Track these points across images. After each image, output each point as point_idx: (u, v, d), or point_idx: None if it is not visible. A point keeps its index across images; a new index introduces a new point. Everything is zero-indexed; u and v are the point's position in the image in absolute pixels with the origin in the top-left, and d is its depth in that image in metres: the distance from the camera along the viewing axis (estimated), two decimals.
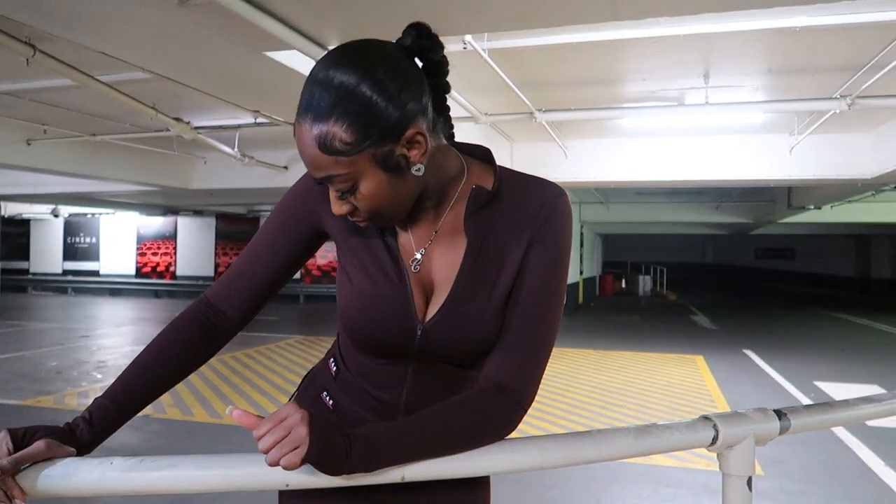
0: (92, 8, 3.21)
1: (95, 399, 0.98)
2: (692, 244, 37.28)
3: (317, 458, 0.84)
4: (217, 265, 20.87)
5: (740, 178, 9.04)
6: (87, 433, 0.94)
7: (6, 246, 22.52)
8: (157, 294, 20.71)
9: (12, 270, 22.26)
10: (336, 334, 1.17)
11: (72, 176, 10.33)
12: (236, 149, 8.92)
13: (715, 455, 1.23)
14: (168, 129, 7.33)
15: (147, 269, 21.61)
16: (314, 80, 0.87)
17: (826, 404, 1.32)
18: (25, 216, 21.82)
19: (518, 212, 1.02)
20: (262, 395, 6.56)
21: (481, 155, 1.07)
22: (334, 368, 1.13)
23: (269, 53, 3.52)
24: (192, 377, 7.35)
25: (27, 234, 23.01)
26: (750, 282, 33.29)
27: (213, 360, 8.47)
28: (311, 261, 19.57)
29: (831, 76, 6.09)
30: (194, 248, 21.12)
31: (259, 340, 10.59)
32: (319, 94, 0.85)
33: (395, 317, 1.01)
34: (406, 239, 1.04)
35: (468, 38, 4.41)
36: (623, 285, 25.40)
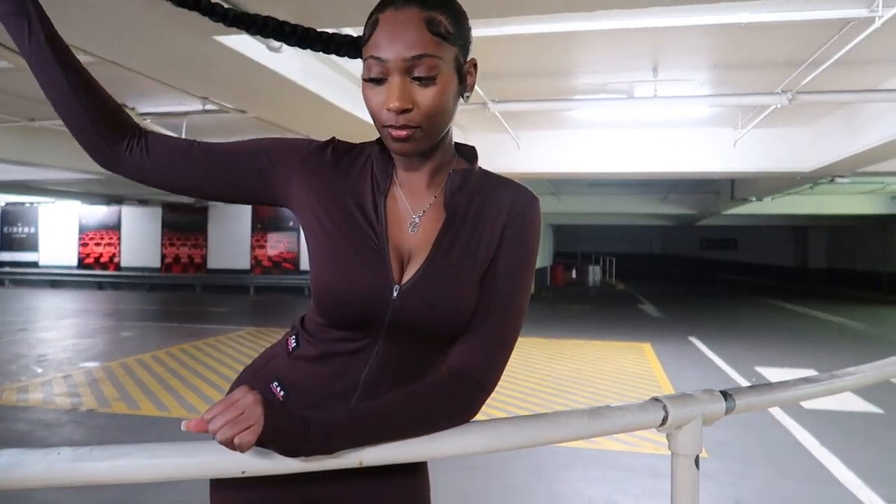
0: None
1: None
2: (640, 235, 38.08)
3: (273, 437, 0.83)
4: (164, 256, 20.35)
5: (686, 171, 9.28)
6: None
7: None
8: (100, 286, 20.07)
9: None
10: (301, 316, 1.16)
11: (9, 163, 9.91)
12: (184, 136, 8.70)
13: (662, 438, 1.26)
14: None
15: (90, 259, 20.93)
16: None
17: (768, 385, 1.38)
18: None
19: (494, 206, 1.06)
20: (211, 387, 6.44)
21: (467, 152, 1.12)
22: (293, 345, 1.11)
23: (217, 37, 3.44)
24: (139, 371, 7.17)
25: None
26: (695, 271, 34.23)
27: (160, 353, 8.27)
28: (261, 251, 19.30)
29: (774, 72, 6.29)
30: (139, 239, 20.55)
31: (208, 332, 10.38)
32: None
33: (371, 277, 1.00)
34: (397, 206, 1.06)
35: None
36: (573, 275, 25.80)
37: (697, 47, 5.87)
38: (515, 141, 9.12)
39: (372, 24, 0.96)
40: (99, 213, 20.82)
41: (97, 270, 20.67)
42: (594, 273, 25.43)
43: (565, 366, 7.84)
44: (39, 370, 7.29)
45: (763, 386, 1.36)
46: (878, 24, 4.14)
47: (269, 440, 0.83)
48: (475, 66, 1.03)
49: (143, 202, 20.07)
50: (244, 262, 19.53)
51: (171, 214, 20.26)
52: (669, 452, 1.24)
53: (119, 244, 20.77)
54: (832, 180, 10.25)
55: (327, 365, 1.06)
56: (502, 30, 5.05)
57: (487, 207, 1.06)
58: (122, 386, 6.44)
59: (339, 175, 1.07)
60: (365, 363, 1.04)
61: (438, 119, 0.97)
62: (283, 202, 1.10)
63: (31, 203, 21.17)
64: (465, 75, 1.01)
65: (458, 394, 0.99)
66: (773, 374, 7.54)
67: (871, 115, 6.97)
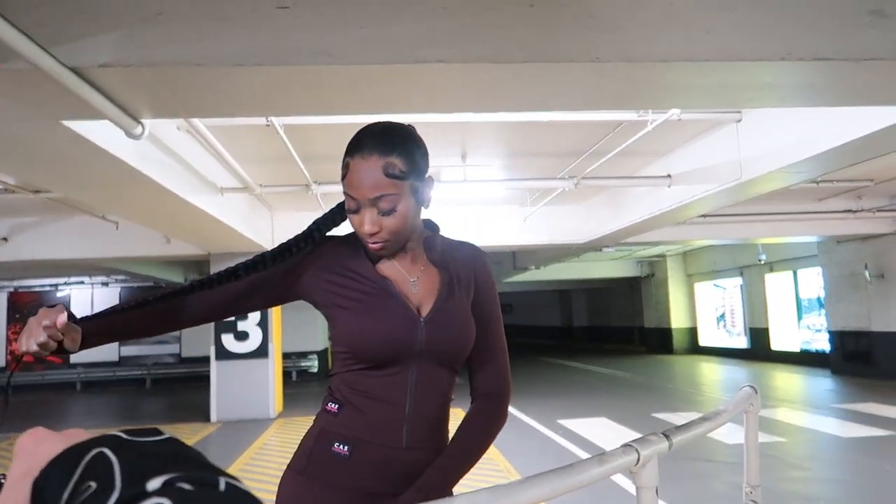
0: None
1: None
2: None
3: None
4: None
5: (485, 245, 10.14)
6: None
7: None
8: None
9: None
10: (327, 387, 1.36)
11: None
12: None
13: None
14: None
15: None
16: (378, 130, 1.23)
17: (686, 425, 1.76)
18: None
19: (463, 258, 1.42)
20: None
21: (430, 224, 1.44)
22: (336, 407, 1.31)
23: (66, 122, 3.25)
24: None
25: None
26: None
27: None
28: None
29: (558, 160, 7.29)
30: None
31: None
32: (383, 139, 1.21)
33: (400, 318, 1.28)
34: (394, 269, 1.34)
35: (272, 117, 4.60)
36: None
37: (499, 139, 6.65)
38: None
39: (345, 165, 1.26)
40: None
41: None
42: None
43: None
44: None
45: (685, 425, 1.74)
46: (649, 127, 5.13)
47: None
48: (431, 181, 1.31)
49: None
50: None
51: None
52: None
53: None
54: (601, 250, 11.89)
55: (376, 400, 1.29)
56: (325, 119, 5.28)
57: (458, 260, 1.40)
58: None
59: (340, 259, 1.34)
60: (406, 387, 1.29)
61: (402, 233, 1.27)
62: (302, 297, 1.37)
63: None
64: (421, 194, 1.28)
65: (495, 411, 1.38)
66: (575, 425, 8.30)
67: (632, 197, 8.35)
